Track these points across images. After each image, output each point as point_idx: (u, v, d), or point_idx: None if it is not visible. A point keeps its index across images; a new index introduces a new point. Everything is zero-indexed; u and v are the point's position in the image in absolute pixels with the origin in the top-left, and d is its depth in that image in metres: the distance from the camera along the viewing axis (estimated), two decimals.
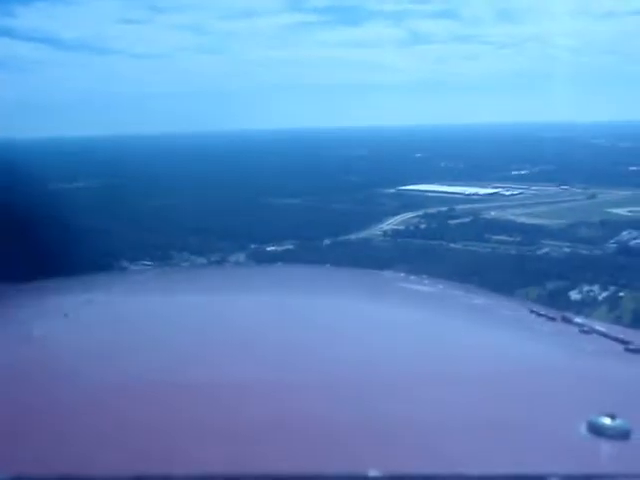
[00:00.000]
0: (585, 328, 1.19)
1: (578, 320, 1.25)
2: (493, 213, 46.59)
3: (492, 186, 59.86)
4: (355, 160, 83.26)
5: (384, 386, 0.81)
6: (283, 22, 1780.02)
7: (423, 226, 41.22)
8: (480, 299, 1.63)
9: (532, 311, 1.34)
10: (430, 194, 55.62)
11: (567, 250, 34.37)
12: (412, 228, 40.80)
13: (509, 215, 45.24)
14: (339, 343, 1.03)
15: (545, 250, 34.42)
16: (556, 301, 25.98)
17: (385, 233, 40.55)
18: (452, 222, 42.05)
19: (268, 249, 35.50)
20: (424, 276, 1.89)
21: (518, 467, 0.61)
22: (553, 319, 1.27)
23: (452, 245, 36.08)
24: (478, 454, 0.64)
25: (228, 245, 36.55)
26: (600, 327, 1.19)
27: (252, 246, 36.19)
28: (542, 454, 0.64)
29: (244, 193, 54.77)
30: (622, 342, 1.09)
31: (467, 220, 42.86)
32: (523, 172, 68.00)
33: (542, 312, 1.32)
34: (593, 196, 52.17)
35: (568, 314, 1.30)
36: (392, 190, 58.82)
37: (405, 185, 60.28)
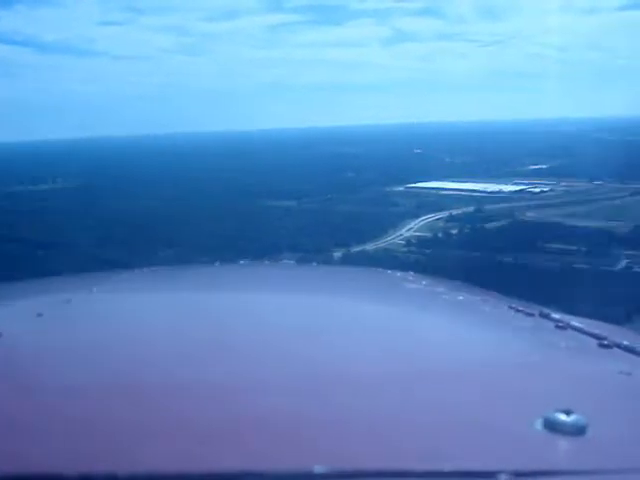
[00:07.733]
0: (561, 324, 1.18)
1: (555, 316, 1.24)
2: (530, 214, 38.80)
3: (513, 182, 52.66)
4: (349, 158, 75.39)
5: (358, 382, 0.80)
6: (266, 23, 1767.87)
7: (454, 231, 33.29)
8: None
9: (511, 307, 1.33)
10: (445, 192, 48.05)
11: None
12: (441, 235, 32.68)
13: (552, 217, 37.37)
14: None
15: (624, 262, 26.44)
16: None
17: (409, 241, 32.37)
18: (488, 226, 33.91)
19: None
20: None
21: (468, 463, 0.59)
22: (531, 315, 1.26)
23: (500, 257, 27.81)
24: (427, 448, 0.63)
25: (209, 261, 28.08)
26: (577, 323, 1.19)
27: (240, 262, 27.72)
28: (494, 451, 0.63)
29: (229, 195, 46.90)
30: (597, 338, 1.08)
31: (505, 223, 34.91)
32: (544, 166, 60.58)
33: (520, 308, 1.31)
34: (638, 192, 44.72)
35: (546, 310, 1.29)
36: (400, 188, 50.98)
37: (413, 182, 52.70)
